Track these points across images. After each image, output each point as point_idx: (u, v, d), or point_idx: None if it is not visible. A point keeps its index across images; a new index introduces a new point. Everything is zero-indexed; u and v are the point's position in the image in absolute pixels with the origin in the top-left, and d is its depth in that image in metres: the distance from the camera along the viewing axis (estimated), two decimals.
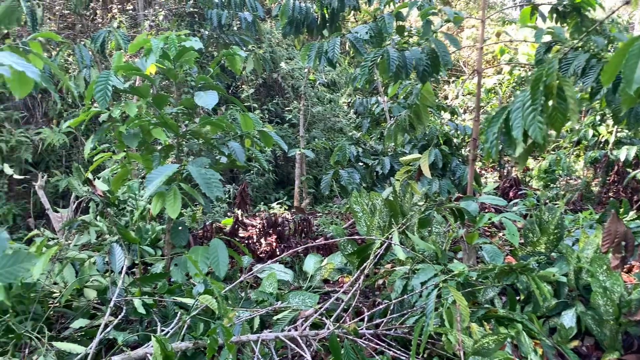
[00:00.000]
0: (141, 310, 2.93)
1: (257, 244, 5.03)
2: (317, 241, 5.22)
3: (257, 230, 5.23)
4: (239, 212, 5.69)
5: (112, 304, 2.69)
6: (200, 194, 3.42)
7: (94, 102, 4.26)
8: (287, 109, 9.07)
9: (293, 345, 2.56)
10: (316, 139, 8.98)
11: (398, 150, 5.12)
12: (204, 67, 7.23)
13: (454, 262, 3.41)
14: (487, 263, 3.41)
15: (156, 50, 3.24)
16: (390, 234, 3.06)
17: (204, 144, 3.75)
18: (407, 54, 3.10)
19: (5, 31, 5.24)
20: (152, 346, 2.40)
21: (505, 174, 7.98)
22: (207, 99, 3.23)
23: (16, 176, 6.37)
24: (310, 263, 4.56)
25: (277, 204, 6.89)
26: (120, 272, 3.08)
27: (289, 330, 2.69)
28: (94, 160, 3.65)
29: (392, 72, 2.98)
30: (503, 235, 5.03)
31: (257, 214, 6.85)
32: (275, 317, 3.01)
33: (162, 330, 2.79)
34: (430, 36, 3.33)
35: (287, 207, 6.95)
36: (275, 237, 5.05)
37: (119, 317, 2.83)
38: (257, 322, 3.09)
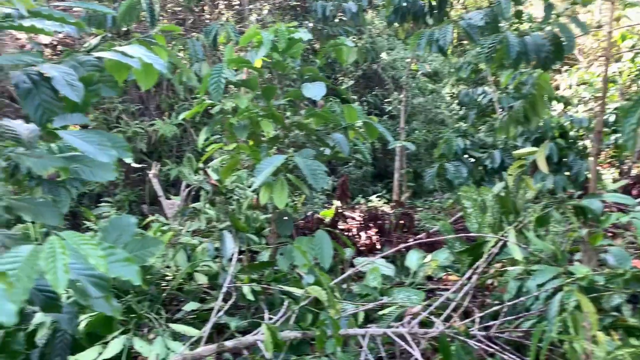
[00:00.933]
0: (250, 296, 3.00)
1: (357, 236, 5.00)
2: (418, 237, 5.09)
3: (358, 223, 5.20)
4: (339, 203, 5.69)
5: (224, 289, 2.78)
6: (304, 185, 3.44)
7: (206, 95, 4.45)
8: (386, 100, 8.95)
9: (401, 342, 2.50)
10: (416, 131, 8.78)
11: (509, 143, 4.85)
12: (306, 59, 7.32)
13: (574, 264, 3.16)
14: (610, 266, 3.13)
15: (267, 42, 3.28)
16: (505, 232, 2.88)
17: (307, 136, 3.77)
18: (527, 39, 2.89)
19: (125, 28, 5.59)
20: (262, 333, 2.44)
21: (626, 170, 7.32)
22: (314, 90, 3.22)
23: (133, 165, 6.82)
24: (413, 258, 4.44)
25: (376, 197, 6.82)
26: (230, 259, 3.17)
27: (397, 327, 2.62)
28: (206, 150, 3.79)
29: (512, 58, 2.79)
30: (628, 236, 4.60)
31: (355, 206, 6.83)
32: (380, 312, 2.96)
33: (270, 318, 2.84)
34: (553, 20, 3.08)
35: (386, 201, 6.85)
36: (376, 230, 4.99)
37: (229, 302, 2.92)
38: (361, 315, 3.06)
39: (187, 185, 6.62)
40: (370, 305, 2.88)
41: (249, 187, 4.16)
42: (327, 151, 3.81)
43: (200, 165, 4.69)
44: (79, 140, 1.49)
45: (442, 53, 3.38)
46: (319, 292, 2.30)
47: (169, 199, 6.75)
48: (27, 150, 1.62)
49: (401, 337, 2.53)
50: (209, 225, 4.64)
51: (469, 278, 2.77)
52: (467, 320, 2.78)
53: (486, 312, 2.79)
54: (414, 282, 4.23)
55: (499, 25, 3.37)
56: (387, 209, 6.60)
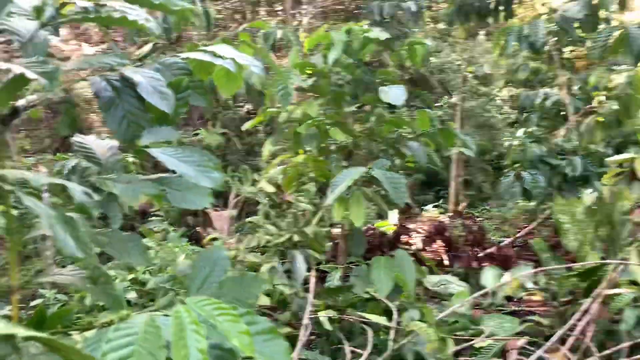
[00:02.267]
0: (328, 326, 2.70)
1: (423, 250, 4.65)
2: (488, 251, 4.72)
3: (422, 236, 4.84)
4: (398, 215, 5.34)
5: (305, 320, 2.47)
6: (381, 200, 3.12)
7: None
8: (436, 104, 8.57)
9: None
10: (468, 136, 8.35)
11: (589, 148, 4.43)
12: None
13: None
14: None
15: (338, 43, 2.98)
16: (623, 253, 2.50)
17: (379, 144, 3.45)
18: None
19: (176, 35, 5.39)
20: None
21: None
22: (394, 95, 2.91)
23: None
24: (489, 276, 4.06)
25: (433, 206, 6.44)
26: (303, 282, 2.88)
27: None
28: (269, 161, 3.52)
29: (634, 53, 2.42)
30: None
31: (412, 217, 6.47)
32: (477, 345, 2.61)
33: (352, 352, 2.53)
34: None
35: (442, 211, 6.48)
36: (443, 244, 4.63)
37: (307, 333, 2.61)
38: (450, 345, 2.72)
39: (235, 196, 6.39)
40: (479, 340, 2.53)
41: (313, 201, 3.86)
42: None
43: (255, 176, 4.43)
44: (175, 160, 1.20)
45: (533, 50, 3.02)
46: (424, 330, 1.97)
47: (216, 210, 6.54)
48: (104, 171, 1.34)
49: None
50: (267, 241, 4.37)
51: (588, 308, 2.39)
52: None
53: (614, 349, 2.40)
54: (493, 303, 3.86)
55: (598, 17, 2.99)
56: (444, 219, 6.22)
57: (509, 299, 3.94)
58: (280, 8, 8.25)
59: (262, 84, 5.01)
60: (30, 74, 0.97)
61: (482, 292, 3.17)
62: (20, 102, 1.10)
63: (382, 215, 6.43)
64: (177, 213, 7.54)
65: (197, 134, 7.60)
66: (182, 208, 6.05)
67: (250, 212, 6.29)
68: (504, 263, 4.40)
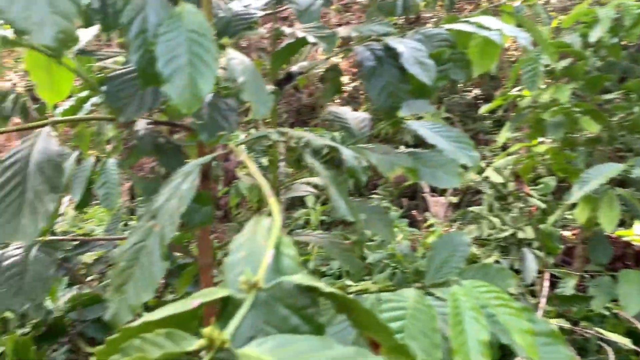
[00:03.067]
0: None
1: None
2: None
3: None
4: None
5: None
6: (638, 203, 2.66)
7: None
8: None
9: None
10: None
11: None
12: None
13: None
14: None
15: (604, 20, 2.59)
16: None
17: None
18: None
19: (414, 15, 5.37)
20: None
21: None
22: None
23: None
24: None
25: None
26: (531, 285, 2.63)
27: None
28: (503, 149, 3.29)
29: None
30: None
31: None
32: None
33: None
34: None
35: None
36: None
37: None
38: None
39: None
40: None
41: (546, 197, 3.51)
42: None
43: (482, 164, 4.20)
44: (434, 134, 1.14)
45: None
46: None
47: (434, 195, 6.44)
48: (357, 142, 1.35)
49: None
50: (489, 235, 4.14)
51: None
52: None
53: None
54: None
55: None
56: None
57: None
58: None
59: (498, 67, 4.71)
60: (311, 38, 0.99)
61: None
62: (294, 68, 1.15)
63: (623, 222, 5.59)
64: (395, 194, 7.65)
65: (420, 118, 7.54)
66: (401, 189, 6.09)
67: (470, 201, 6.06)
68: None
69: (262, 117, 0.86)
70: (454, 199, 5.03)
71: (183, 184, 0.75)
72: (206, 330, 0.41)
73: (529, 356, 0.62)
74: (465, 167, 1.37)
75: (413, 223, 6.67)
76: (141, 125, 1.07)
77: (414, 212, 6.87)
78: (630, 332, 2.74)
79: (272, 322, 0.48)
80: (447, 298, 0.66)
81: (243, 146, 0.79)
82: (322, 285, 0.47)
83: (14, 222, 0.82)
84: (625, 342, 2.43)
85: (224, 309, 0.50)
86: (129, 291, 0.72)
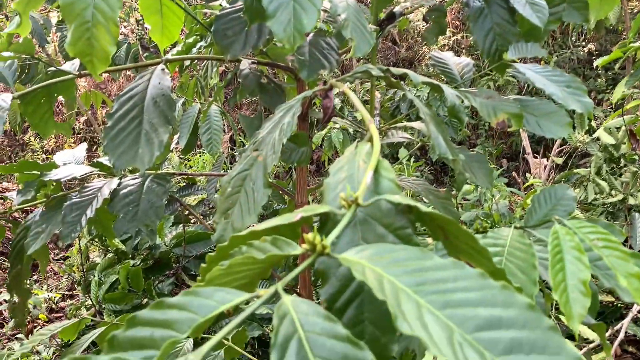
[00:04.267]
0: None
1: None
2: None
3: None
4: None
5: None
6: None
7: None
8: None
9: None
10: None
11: None
12: None
13: None
14: None
15: None
16: None
17: None
18: None
19: None
20: None
21: None
22: None
23: None
24: None
25: None
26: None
27: None
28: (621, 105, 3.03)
29: None
30: None
31: None
32: None
33: None
34: None
35: None
36: None
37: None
38: None
39: (561, 144, 5.85)
40: None
41: None
42: None
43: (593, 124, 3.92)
44: (543, 78, 1.08)
45: None
46: None
47: (536, 157, 6.12)
48: (462, 87, 1.31)
49: None
50: (594, 200, 3.89)
51: None
52: None
53: None
54: None
55: None
56: None
57: None
58: None
59: (618, 19, 4.30)
60: None
61: None
62: (397, 8, 1.13)
63: None
64: (495, 154, 7.36)
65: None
66: (500, 149, 5.86)
67: (577, 165, 5.69)
68: None
69: (364, 54, 0.86)
70: (559, 160, 4.75)
71: (285, 117, 0.78)
72: (309, 236, 0.44)
73: (634, 300, 0.59)
74: (574, 126, 1.29)
75: (512, 184, 6.41)
76: (245, 65, 1.11)
77: (513, 173, 6.61)
78: None
79: (369, 240, 0.50)
80: (548, 239, 0.63)
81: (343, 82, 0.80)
82: (421, 205, 0.47)
83: (132, 150, 0.90)
84: None
85: (323, 225, 0.52)
86: (234, 215, 0.76)
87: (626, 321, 2.07)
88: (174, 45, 1.54)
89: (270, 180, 0.78)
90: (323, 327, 0.36)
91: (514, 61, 1.15)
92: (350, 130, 3.76)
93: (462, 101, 0.91)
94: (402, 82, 1.59)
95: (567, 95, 1.05)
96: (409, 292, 0.38)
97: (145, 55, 2.22)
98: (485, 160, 1.23)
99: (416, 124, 1.19)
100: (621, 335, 2.02)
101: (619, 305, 2.74)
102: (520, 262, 0.64)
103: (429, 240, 1.27)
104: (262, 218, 2.11)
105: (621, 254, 0.60)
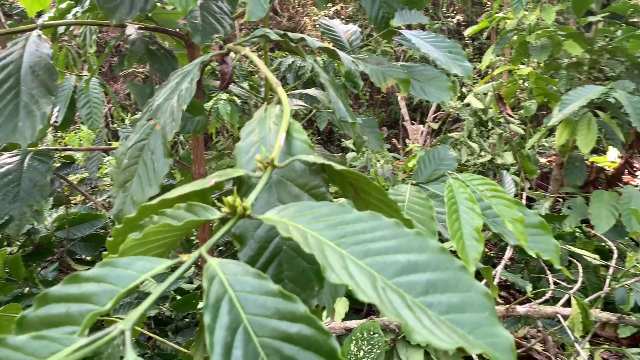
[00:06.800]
0: (531, 252, 2.54)
1: None
2: None
3: None
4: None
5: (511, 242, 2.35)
6: (618, 129, 2.73)
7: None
8: None
9: None
10: None
11: None
12: None
13: None
14: None
15: None
16: None
17: (624, 64, 2.97)
18: None
19: None
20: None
21: None
22: None
23: None
24: None
25: None
26: None
27: None
28: (487, 73, 3.29)
29: None
30: None
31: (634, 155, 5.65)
32: None
33: (556, 283, 2.36)
34: None
35: None
36: None
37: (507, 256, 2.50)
38: None
39: (435, 111, 6.23)
40: None
41: (529, 120, 3.55)
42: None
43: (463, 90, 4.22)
44: (427, 44, 1.14)
45: None
46: None
47: (413, 124, 6.47)
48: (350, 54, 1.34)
49: None
50: (467, 161, 4.22)
51: None
52: None
53: None
54: None
55: None
56: None
57: None
58: None
59: None
60: None
61: None
62: None
63: (596, 150, 5.75)
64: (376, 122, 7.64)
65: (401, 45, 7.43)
66: (381, 117, 6.10)
67: (450, 130, 6.12)
68: None
69: (258, 19, 0.85)
70: (435, 126, 5.07)
71: (182, 83, 0.75)
72: (228, 199, 0.43)
73: (519, 242, 0.66)
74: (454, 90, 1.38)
75: (393, 150, 6.73)
76: (132, 30, 1.04)
77: (393, 139, 6.95)
78: (598, 250, 2.89)
79: (285, 200, 0.50)
80: (442, 192, 0.69)
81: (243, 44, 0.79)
82: (335, 164, 0.49)
83: (11, 124, 0.81)
84: (593, 258, 2.57)
85: (239, 189, 0.52)
86: (133, 187, 0.73)
87: (499, 268, 2.30)
88: (39, 14, 1.40)
89: None
90: (253, 285, 0.36)
91: (400, 28, 1.20)
92: (238, 101, 3.70)
93: (357, 66, 0.93)
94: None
95: (449, 61, 1.12)
96: (332, 245, 0.39)
97: (8, 23, 2.00)
98: (376, 125, 1.29)
99: (311, 91, 1.20)
100: (495, 281, 2.25)
101: (491, 255, 3.03)
102: (420, 215, 0.69)
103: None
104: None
105: (507, 202, 0.67)
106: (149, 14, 1.11)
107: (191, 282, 2.44)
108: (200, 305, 2.02)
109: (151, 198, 0.72)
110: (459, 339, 0.36)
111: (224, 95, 3.79)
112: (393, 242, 0.41)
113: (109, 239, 0.52)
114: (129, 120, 5.96)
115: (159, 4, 0.97)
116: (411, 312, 0.36)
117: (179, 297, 2.10)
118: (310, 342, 0.34)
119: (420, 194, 0.74)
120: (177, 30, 1.09)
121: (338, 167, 0.48)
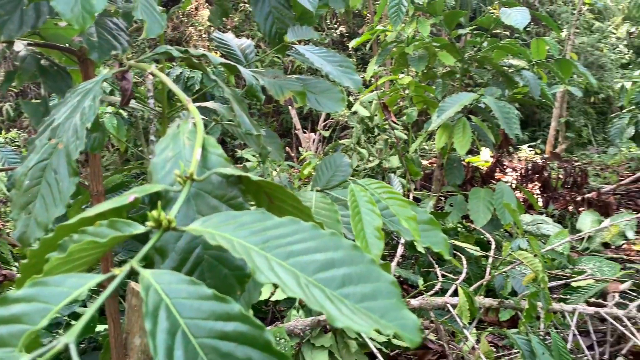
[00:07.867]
0: (421, 248, 2.72)
1: (516, 190, 4.51)
2: (587, 195, 4.50)
3: (518, 175, 4.69)
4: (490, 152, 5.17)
5: (402, 240, 2.51)
6: (489, 131, 3.02)
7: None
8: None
9: (616, 325, 2.11)
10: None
11: None
12: None
13: None
14: None
15: None
16: None
17: (490, 72, 3.30)
18: None
19: None
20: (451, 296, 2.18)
21: None
22: (517, 17, 2.74)
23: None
24: (587, 221, 3.92)
25: (528, 146, 6.18)
26: None
27: (610, 308, 2.22)
28: (371, 82, 3.48)
29: None
30: None
31: (506, 155, 6.25)
32: (575, 285, 2.56)
33: (444, 276, 2.56)
34: None
35: (538, 152, 6.20)
36: (540, 185, 4.46)
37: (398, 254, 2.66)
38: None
39: (325, 119, 6.43)
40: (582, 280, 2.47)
41: (411, 126, 3.80)
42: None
43: (350, 99, 4.41)
44: (320, 58, 1.21)
45: None
46: (532, 260, 1.95)
47: (305, 132, 6.63)
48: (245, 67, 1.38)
49: (616, 318, 2.14)
50: (357, 166, 4.41)
51: None
52: None
53: None
54: (588, 248, 3.74)
55: None
56: (539, 160, 5.97)
57: (605, 245, 3.79)
58: None
59: (363, 5, 4.85)
60: None
61: (580, 235, 3.06)
62: None
63: (471, 151, 6.25)
64: None
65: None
66: (273, 126, 6.17)
67: (340, 137, 6.35)
68: (604, 209, 4.20)
69: (157, 35, 0.86)
70: (326, 133, 5.23)
71: (84, 101, 0.74)
72: (153, 213, 0.45)
73: (413, 238, 0.74)
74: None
75: (287, 159, 6.83)
76: (20, 46, 0.99)
77: (287, 148, 7.05)
78: (478, 242, 3.17)
79: (204, 212, 0.53)
80: (344, 197, 0.75)
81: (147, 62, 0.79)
82: (251, 175, 0.52)
83: None
84: (474, 250, 2.82)
85: (154, 204, 0.54)
86: (36, 209, 0.71)
87: (393, 265, 2.45)
88: None
89: None
90: (188, 291, 0.39)
91: (294, 43, 1.26)
92: (125, 114, 3.57)
93: (258, 81, 0.97)
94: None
95: (340, 74, 1.20)
96: (257, 250, 0.43)
97: None
98: (277, 136, 1.34)
99: (210, 104, 1.22)
100: None
101: (384, 253, 3.20)
102: (326, 219, 0.74)
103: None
104: None
105: (401, 202, 0.75)
106: (36, 30, 1.07)
107: (84, 306, 2.32)
108: (99, 328, 1.92)
109: (58, 218, 0.71)
110: (373, 323, 0.41)
111: (109, 109, 3.64)
112: (311, 243, 0.45)
113: (23, 261, 0.51)
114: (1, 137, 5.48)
115: (49, 18, 0.94)
116: (332, 303, 0.41)
117: (73, 322, 1.99)
118: (246, 338, 0.38)
119: (325, 199, 0.80)
120: (67, 45, 1.06)
121: (255, 178, 0.52)
